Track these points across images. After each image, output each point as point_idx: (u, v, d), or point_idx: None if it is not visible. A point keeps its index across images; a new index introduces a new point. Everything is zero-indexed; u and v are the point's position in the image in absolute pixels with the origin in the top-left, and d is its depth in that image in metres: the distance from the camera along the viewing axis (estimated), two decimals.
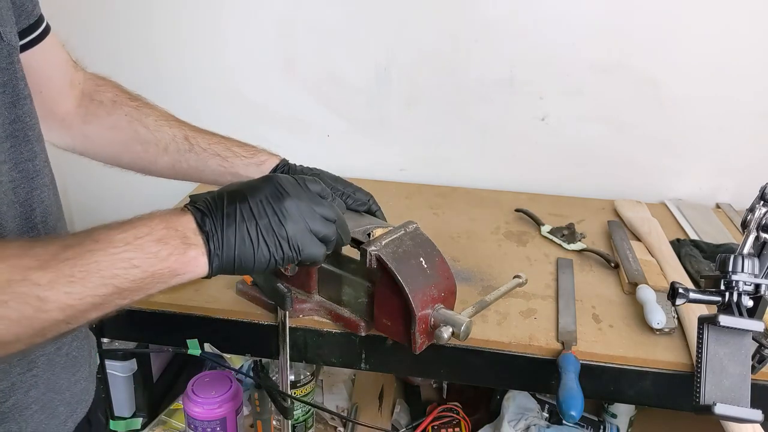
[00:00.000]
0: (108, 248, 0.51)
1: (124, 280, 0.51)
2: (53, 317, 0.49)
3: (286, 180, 0.61)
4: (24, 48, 0.69)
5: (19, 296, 0.47)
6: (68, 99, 0.82)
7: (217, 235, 0.56)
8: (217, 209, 0.57)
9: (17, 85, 0.62)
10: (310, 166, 0.90)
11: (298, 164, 0.89)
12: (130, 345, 1.15)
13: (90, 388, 0.71)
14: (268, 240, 0.57)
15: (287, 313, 0.89)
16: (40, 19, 0.74)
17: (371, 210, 0.87)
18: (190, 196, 0.61)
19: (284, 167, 0.87)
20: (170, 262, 0.53)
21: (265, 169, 0.85)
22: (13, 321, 0.47)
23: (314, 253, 0.61)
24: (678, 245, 1.14)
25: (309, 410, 1.21)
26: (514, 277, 0.97)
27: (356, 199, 0.85)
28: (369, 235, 0.80)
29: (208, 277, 0.57)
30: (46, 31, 0.75)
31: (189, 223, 0.56)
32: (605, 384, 0.87)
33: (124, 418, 1.18)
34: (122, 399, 1.19)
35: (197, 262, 0.55)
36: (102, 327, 0.98)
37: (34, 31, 0.72)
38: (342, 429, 1.27)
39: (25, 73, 0.64)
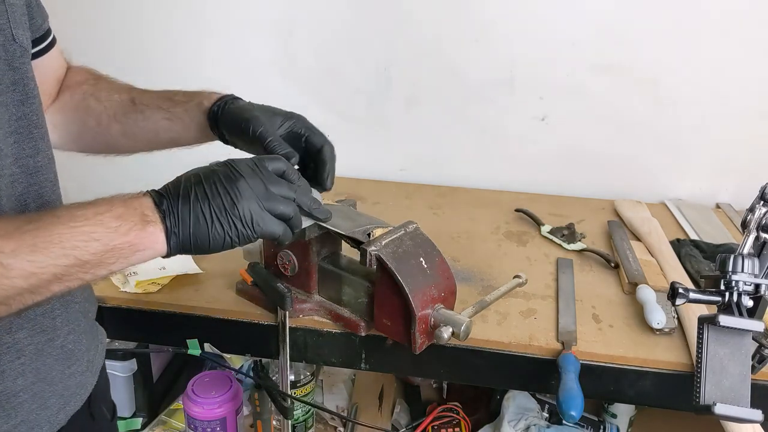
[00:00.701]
0: (69, 222, 0.54)
1: (84, 252, 0.54)
2: (17, 285, 0.51)
3: (242, 162, 0.64)
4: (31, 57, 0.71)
5: None
6: (52, 97, 0.84)
7: (173, 213, 0.59)
8: (173, 191, 0.60)
9: (27, 84, 0.65)
10: (263, 103, 0.87)
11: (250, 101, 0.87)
12: (130, 345, 1.15)
13: (87, 383, 0.71)
14: (221, 219, 0.60)
15: (287, 313, 0.89)
16: (47, 33, 0.77)
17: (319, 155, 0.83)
18: None
19: (229, 102, 0.84)
20: (130, 237, 0.56)
21: (205, 108, 0.83)
22: None
23: (273, 230, 0.64)
24: (678, 245, 1.14)
25: (309, 410, 1.21)
26: (514, 277, 0.97)
27: (310, 142, 0.83)
28: (369, 235, 0.80)
29: (167, 255, 0.60)
30: (52, 43, 0.79)
31: (147, 203, 0.59)
32: (605, 384, 0.87)
33: (124, 418, 1.18)
34: (122, 399, 1.19)
35: (156, 238, 0.58)
36: (102, 326, 0.97)
37: (41, 43, 0.76)
38: (342, 429, 1.27)
39: None
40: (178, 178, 0.63)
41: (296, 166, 0.73)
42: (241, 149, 0.80)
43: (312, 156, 0.81)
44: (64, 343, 0.68)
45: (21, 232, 0.52)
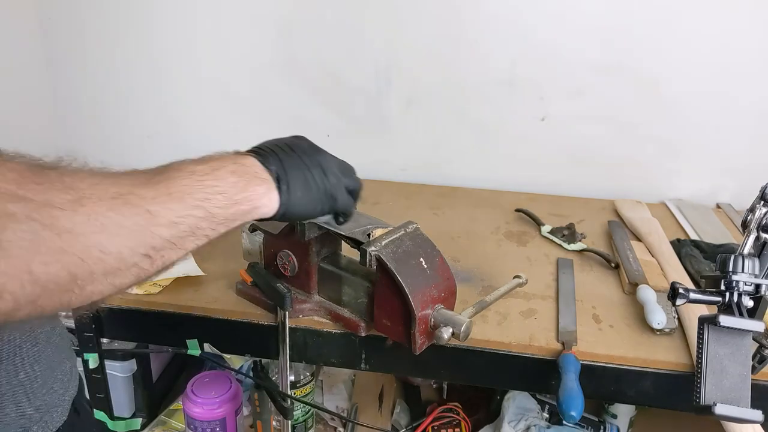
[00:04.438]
0: (192, 176, 0.53)
1: (212, 205, 0.53)
2: (162, 234, 0.49)
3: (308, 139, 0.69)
4: None
5: (130, 206, 0.47)
6: None
7: (284, 176, 0.62)
8: (273, 156, 0.63)
9: None
10: None
11: None
12: (130, 345, 1.16)
13: (75, 371, 0.72)
14: (319, 187, 0.65)
15: (287, 313, 0.89)
16: None
17: None
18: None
19: None
20: (248, 193, 0.57)
21: None
22: (129, 231, 0.46)
23: (347, 203, 0.70)
24: (678, 245, 1.14)
25: (309, 410, 1.21)
26: (514, 277, 0.97)
27: None
28: (369, 235, 0.80)
29: (274, 216, 0.62)
30: None
31: (256, 163, 0.61)
32: (605, 384, 0.87)
33: (124, 419, 1.18)
34: (122, 399, 1.19)
35: (271, 196, 0.60)
36: (102, 327, 0.97)
37: None
38: (342, 429, 1.27)
39: None
40: (265, 144, 0.65)
41: None
42: None
43: None
44: (61, 331, 0.70)
45: (155, 182, 0.50)
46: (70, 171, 0.46)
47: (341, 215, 0.73)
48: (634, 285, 1.00)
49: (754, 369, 0.79)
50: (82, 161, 0.48)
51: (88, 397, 0.90)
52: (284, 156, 0.63)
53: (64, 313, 1.03)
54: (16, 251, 0.40)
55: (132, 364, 1.18)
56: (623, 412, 1.24)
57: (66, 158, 0.48)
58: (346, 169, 0.71)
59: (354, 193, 0.72)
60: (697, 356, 0.75)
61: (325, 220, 0.75)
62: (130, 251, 0.47)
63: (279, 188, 0.61)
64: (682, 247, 1.13)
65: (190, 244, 0.53)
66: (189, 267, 1.01)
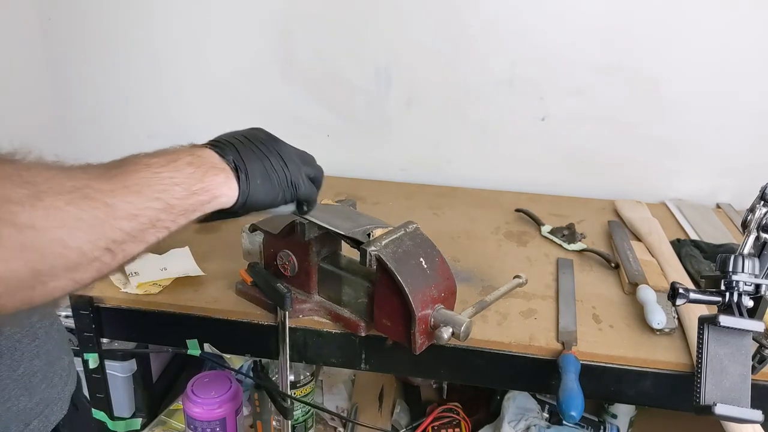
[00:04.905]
0: (149, 168, 0.53)
1: (170, 196, 0.53)
2: (122, 227, 0.49)
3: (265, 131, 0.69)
4: None
5: (88, 200, 0.46)
6: None
7: (242, 166, 0.62)
8: (230, 147, 0.63)
9: None
10: None
11: None
12: (130, 345, 1.15)
13: (73, 366, 0.73)
14: (278, 175, 0.65)
15: (287, 313, 0.89)
16: None
17: None
18: None
19: None
20: (206, 183, 0.57)
21: None
22: (89, 224, 0.46)
23: (309, 191, 0.70)
24: (678, 245, 1.14)
25: (309, 410, 1.21)
26: (514, 277, 0.97)
27: None
28: (369, 235, 0.80)
29: (233, 206, 0.62)
30: None
31: (212, 153, 0.61)
32: (605, 384, 0.87)
33: (124, 419, 1.18)
34: (122, 399, 1.19)
35: (230, 184, 0.60)
36: (102, 327, 0.97)
37: None
38: (342, 429, 1.27)
39: None
40: (222, 137, 0.65)
41: None
42: None
43: None
44: (59, 327, 0.70)
45: (111, 176, 0.50)
46: (25, 165, 0.45)
47: (304, 203, 0.73)
48: (634, 285, 1.00)
49: (754, 369, 0.79)
50: (37, 154, 0.47)
51: (86, 393, 0.90)
52: (241, 146, 0.64)
53: (63, 313, 1.03)
54: None
55: (132, 364, 1.18)
56: (623, 412, 1.24)
57: (20, 150, 0.47)
58: (306, 158, 0.72)
59: (315, 181, 0.72)
60: (697, 356, 0.75)
61: (289, 210, 0.74)
62: (90, 245, 0.46)
63: (238, 177, 0.61)
64: (682, 247, 1.13)
65: (151, 237, 0.52)
66: (189, 267, 1.01)
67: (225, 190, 0.59)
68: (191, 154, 0.58)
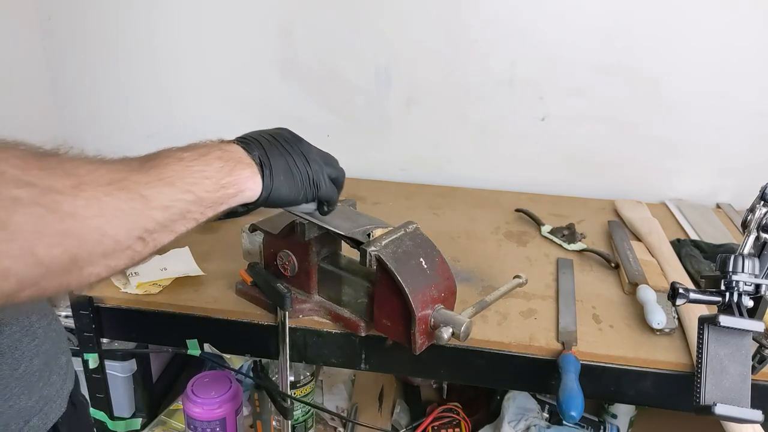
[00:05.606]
0: (181, 162, 0.55)
1: (201, 189, 0.55)
2: (156, 217, 0.51)
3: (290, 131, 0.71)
4: None
5: (126, 191, 0.49)
6: None
7: (267, 162, 0.64)
8: (256, 143, 0.65)
9: None
10: None
11: None
12: (130, 345, 1.15)
13: (71, 365, 0.73)
14: (301, 173, 0.67)
15: (287, 313, 0.89)
16: None
17: None
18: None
19: None
20: (234, 177, 0.59)
21: None
22: (125, 214, 0.48)
23: (330, 191, 0.72)
24: (678, 245, 1.14)
25: (309, 410, 1.21)
26: (514, 277, 0.97)
27: None
28: (369, 235, 0.80)
29: (256, 201, 0.64)
30: None
31: (239, 149, 0.63)
32: (605, 384, 0.87)
33: (124, 419, 1.18)
34: (122, 399, 1.19)
35: (255, 179, 0.62)
36: (102, 327, 0.97)
37: None
38: (342, 429, 1.27)
39: None
40: (249, 134, 0.68)
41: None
42: None
43: None
44: (56, 326, 0.71)
45: (147, 168, 0.52)
46: (68, 158, 0.48)
47: (325, 204, 0.74)
48: (634, 285, 1.00)
49: (754, 369, 0.79)
50: (79, 149, 0.50)
51: (85, 393, 0.90)
52: (266, 144, 0.66)
53: (63, 313, 1.04)
54: (22, 234, 0.41)
55: (132, 364, 1.18)
56: (623, 412, 1.24)
57: (63, 146, 0.50)
58: (329, 159, 0.73)
59: (337, 183, 0.74)
60: (697, 356, 0.75)
61: (310, 209, 0.75)
62: (126, 234, 0.49)
63: (262, 173, 0.63)
64: (682, 247, 1.13)
65: (181, 227, 0.55)
66: (189, 267, 1.01)
67: (250, 185, 0.62)
68: (220, 149, 0.61)
